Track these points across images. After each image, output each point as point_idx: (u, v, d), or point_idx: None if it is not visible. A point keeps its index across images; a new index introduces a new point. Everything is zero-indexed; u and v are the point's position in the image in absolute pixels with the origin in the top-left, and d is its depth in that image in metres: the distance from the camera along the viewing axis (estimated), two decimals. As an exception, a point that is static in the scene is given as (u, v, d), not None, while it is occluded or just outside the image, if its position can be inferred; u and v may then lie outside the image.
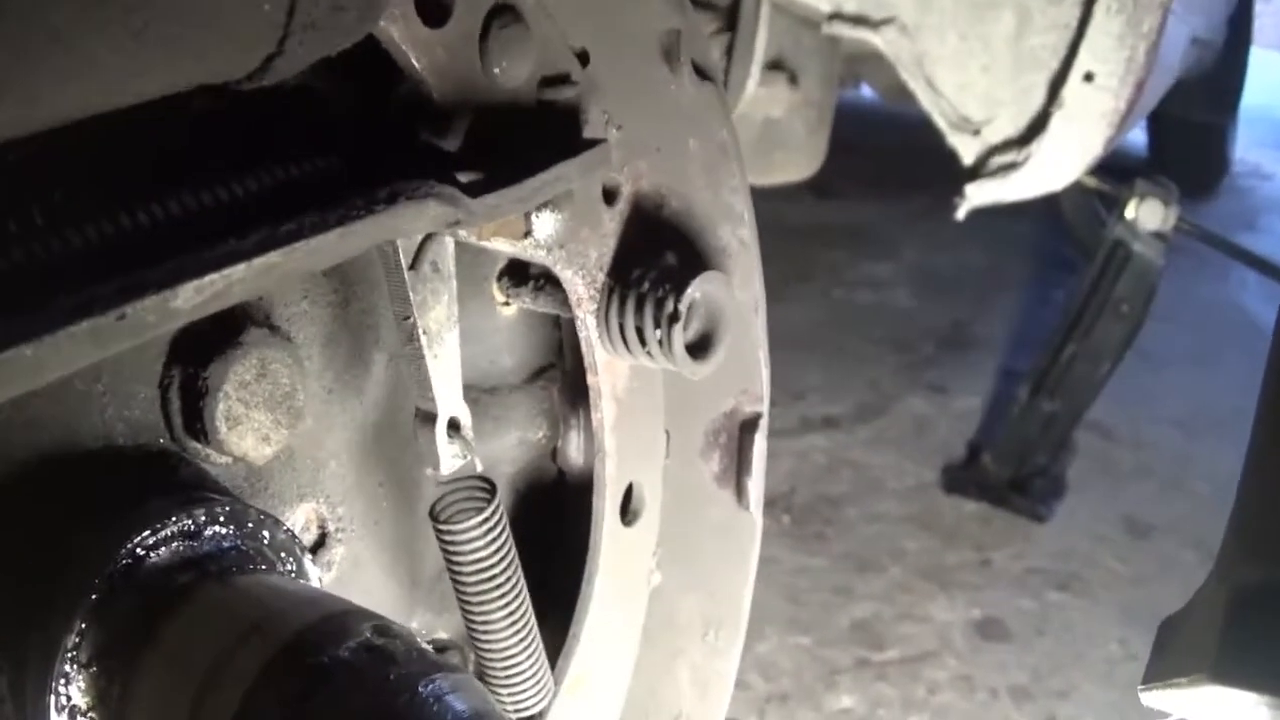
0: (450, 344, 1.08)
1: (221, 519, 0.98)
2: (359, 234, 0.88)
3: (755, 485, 1.48)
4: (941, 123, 2.74)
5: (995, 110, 2.67)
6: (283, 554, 1.03)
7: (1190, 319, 5.01)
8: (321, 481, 1.21)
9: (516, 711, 1.20)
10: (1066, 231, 5.28)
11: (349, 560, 1.26)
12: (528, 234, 1.10)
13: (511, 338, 1.41)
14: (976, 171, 2.76)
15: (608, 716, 1.40)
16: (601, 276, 1.18)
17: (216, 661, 0.89)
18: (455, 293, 1.07)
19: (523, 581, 1.16)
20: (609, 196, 1.18)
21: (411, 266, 1.03)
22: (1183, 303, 4.91)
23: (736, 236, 1.38)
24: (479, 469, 1.14)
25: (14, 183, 0.82)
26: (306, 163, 0.97)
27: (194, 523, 0.96)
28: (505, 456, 1.43)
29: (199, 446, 1.04)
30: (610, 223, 1.18)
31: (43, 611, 0.92)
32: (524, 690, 1.19)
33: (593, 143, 1.09)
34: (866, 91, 4.30)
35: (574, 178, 1.07)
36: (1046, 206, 4.03)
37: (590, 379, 1.24)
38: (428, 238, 1.03)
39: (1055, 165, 2.68)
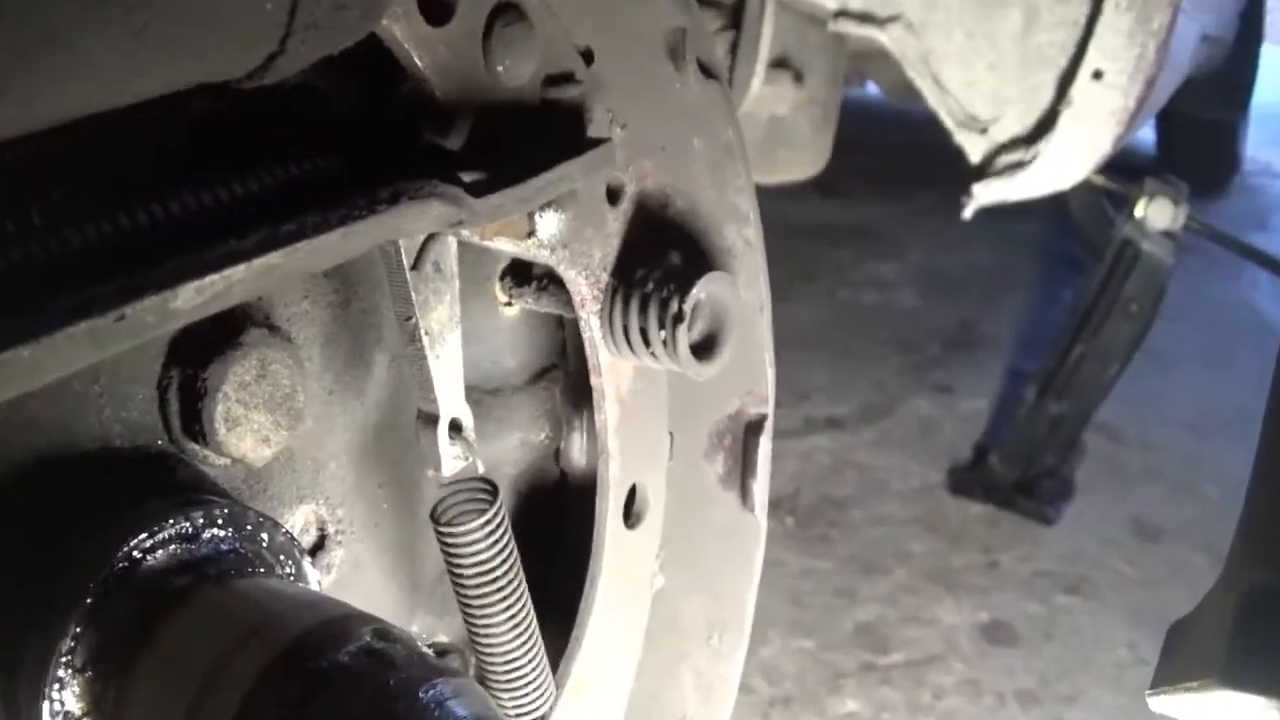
0: (452, 344, 1.08)
1: (220, 521, 0.98)
2: (361, 234, 0.88)
3: (760, 487, 1.48)
4: (948, 121, 2.74)
5: (1003, 108, 2.67)
6: (281, 557, 1.03)
7: (1200, 319, 5.01)
8: (321, 483, 1.21)
9: (518, 716, 1.21)
10: (1075, 230, 5.27)
11: (349, 563, 1.26)
12: (531, 234, 1.10)
13: (514, 338, 1.41)
14: (984, 170, 2.76)
15: (610, 721, 1.40)
16: (605, 276, 1.18)
17: (214, 666, 0.89)
18: (458, 293, 1.07)
19: (524, 584, 1.16)
20: (613, 196, 1.18)
21: (414, 266, 1.03)
22: (1193, 303, 4.90)
23: (742, 236, 1.38)
24: (481, 471, 1.15)
25: (12, 183, 0.82)
26: (307, 162, 0.97)
27: (192, 525, 0.96)
28: (507, 458, 1.43)
29: (197, 448, 1.04)
30: (614, 222, 1.18)
31: (37, 615, 0.91)
32: (526, 694, 1.19)
33: (597, 142, 1.09)
34: (872, 89, 4.30)
35: (578, 177, 1.07)
36: (1054, 205, 4.03)
37: (593, 380, 1.24)
38: (430, 237, 1.03)
39: (1063, 164, 2.67)
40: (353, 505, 1.25)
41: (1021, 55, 2.60)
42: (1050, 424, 3.78)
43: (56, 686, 0.90)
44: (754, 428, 1.46)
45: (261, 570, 1.00)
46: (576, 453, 1.45)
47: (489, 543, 1.12)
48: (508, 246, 1.10)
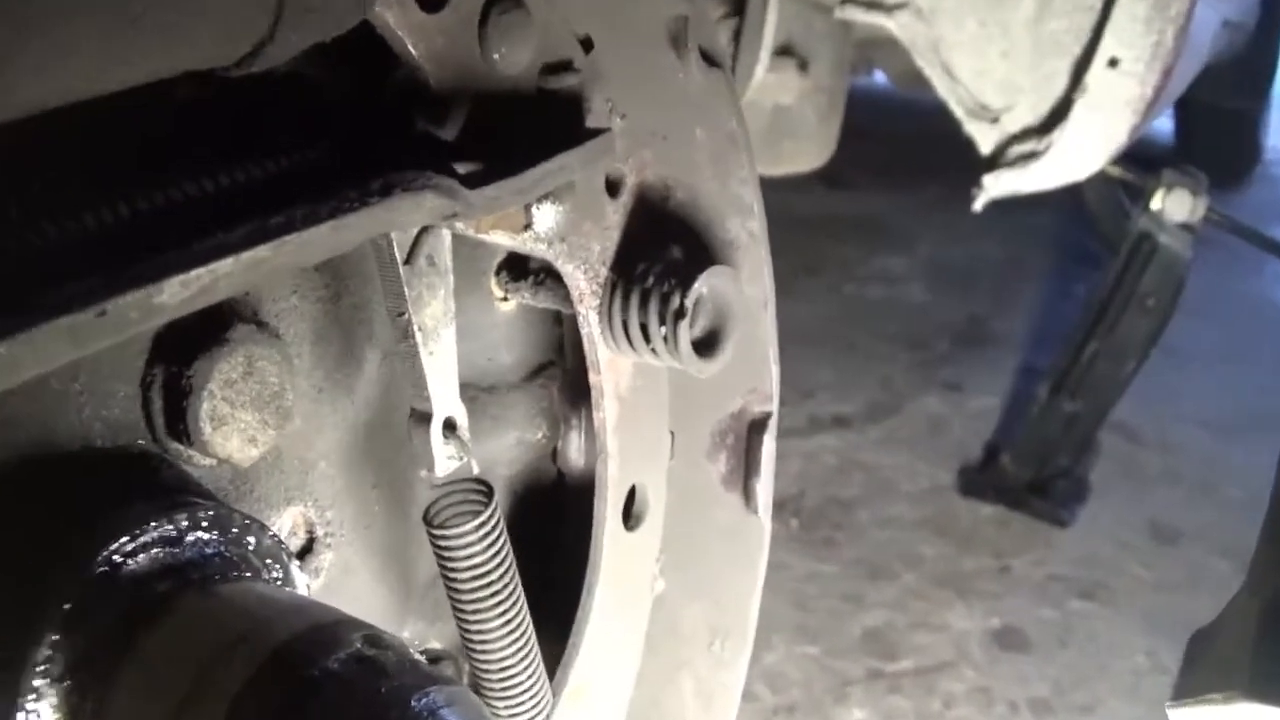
0: (446, 341, 1.08)
1: (205, 524, 0.98)
2: (352, 227, 0.88)
3: (764, 488, 1.48)
4: (958, 110, 2.74)
5: (1015, 97, 2.67)
6: (269, 560, 1.02)
7: (1220, 314, 5.01)
8: (310, 484, 1.21)
9: (514, 725, 1.21)
10: (1089, 223, 5.28)
11: (338, 567, 1.26)
12: (528, 227, 1.10)
13: (510, 334, 1.41)
14: (995, 161, 2.76)
15: (609, 730, 1.41)
16: (604, 271, 1.18)
17: (199, 674, 0.88)
18: (452, 288, 1.07)
19: (520, 589, 1.16)
20: (612, 188, 1.18)
21: (406, 260, 1.03)
22: (1212, 297, 4.90)
23: (745, 229, 1.38)
24: (475, 471, 1.15)
25: (-9, 173, 0.82)
26: (297, 153, 0.97)
27: (176, 528, 0.96)
28: (503, 458, 1.43)
29: (181, 448, 1.04)
30: (613, 215, 1.18)
31: (13, 622, 0.91)
32: (521, 703, 1.19)
33: (596, 132, 1.09)
34: (880, 78, 4.30)
35: (576, 168, 1.07)
36: (1068, 197, 4.04)
37: (592, 377, 1.24)
38: (424, 230, 1.03)
39: (1077, 154, 2.67)
40: (343, 507, 1.25)
41: (1034, 42, 2.59)
42: (1064, 423, 3.78)
43: (32, 697, 0.89)
44: (757, 426, 1.46)
45: (248, 574, 1.00)
46: (574, 452, 1.45)
47: (484, 546, 1.12)
48: (504, 240, 1.10)
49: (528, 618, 1.18)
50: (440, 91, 1.00)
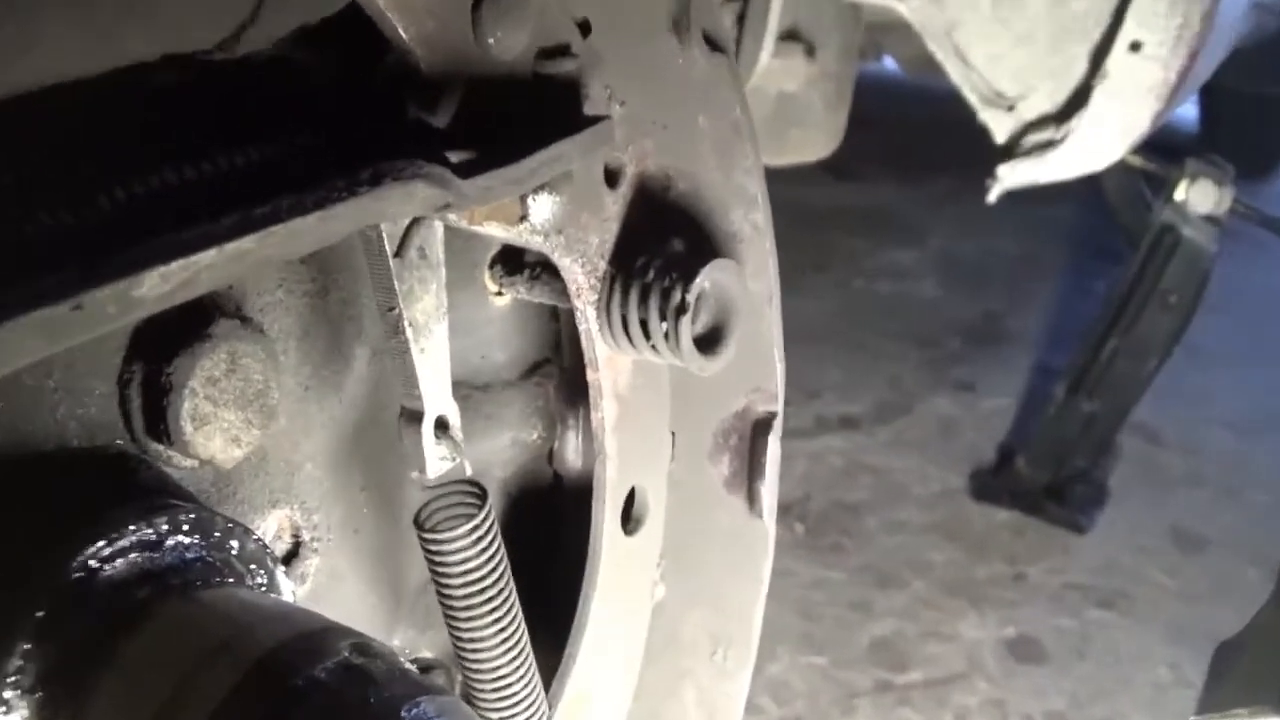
0: (438, 337, 1.08)
1: (185, 528, 0.98)
2: (340, 217, 0.88)
3: (768, 491, 1.48)
4: (972, 97, 2.74)
5: (1031, 83, 2.66)
6: (253, 566, 1.03)
7: (1245, 311, 5.01)
8: (296, 486, 1.21)
9: (508, 738, 1.21)
10: (1109, 216, 5.27)
11: (325, 572, 1.26)
12: (523, 218, 1.10)
13: (505, 330, 1.41)
14: (1010, 150, 2.75)
15: (607, 743, 1.41)
16: (603, 264, 1.18)
17: (180, 683, 0.88)
18: (444, 282, 1.07)
19: (515, 595, 1.16)
20: (611, 178, 1.18)
21: (397, 253, 1.03)
22: (1237, 293, 4.90)
23: (749, 221, 1.39)
24: (468, 472, 1.15)
25: (-40, 163, 0.82)
26: (283, 140, 0.97)
27: (155, 532, 0.96)
28: (497, 459, 1.43)
29: (161, 448, 1.04)
30: (613, 206, 1.19)
31: (-18, 630, 0.91)
32: (516, 714, 1.19)
33: (594, 120, 1.09)
34: (890, 64, 4.30)
35: (574, 157, 1.07)
36: (1087, 188, 4.03)
37: (590, 375, 1.24)
38: (415, 222, 1.03)
39: (1097, 143, 2.67)
40: (330, 510, 1.25)
41: (1052, 26, 2.59)
42: (1082, 424, 3.79)
43: (1, 710, 0.89)
44: (762, 427, 1.47)
45: (231, 580, 1.00)
46: (571, 453, 1.45)
47: (477, 550, 1.12)
48: (498, 232, 1.10)
49: (523, 626, 1.18)
50: (432, 76, 1.00)
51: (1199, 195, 3.52)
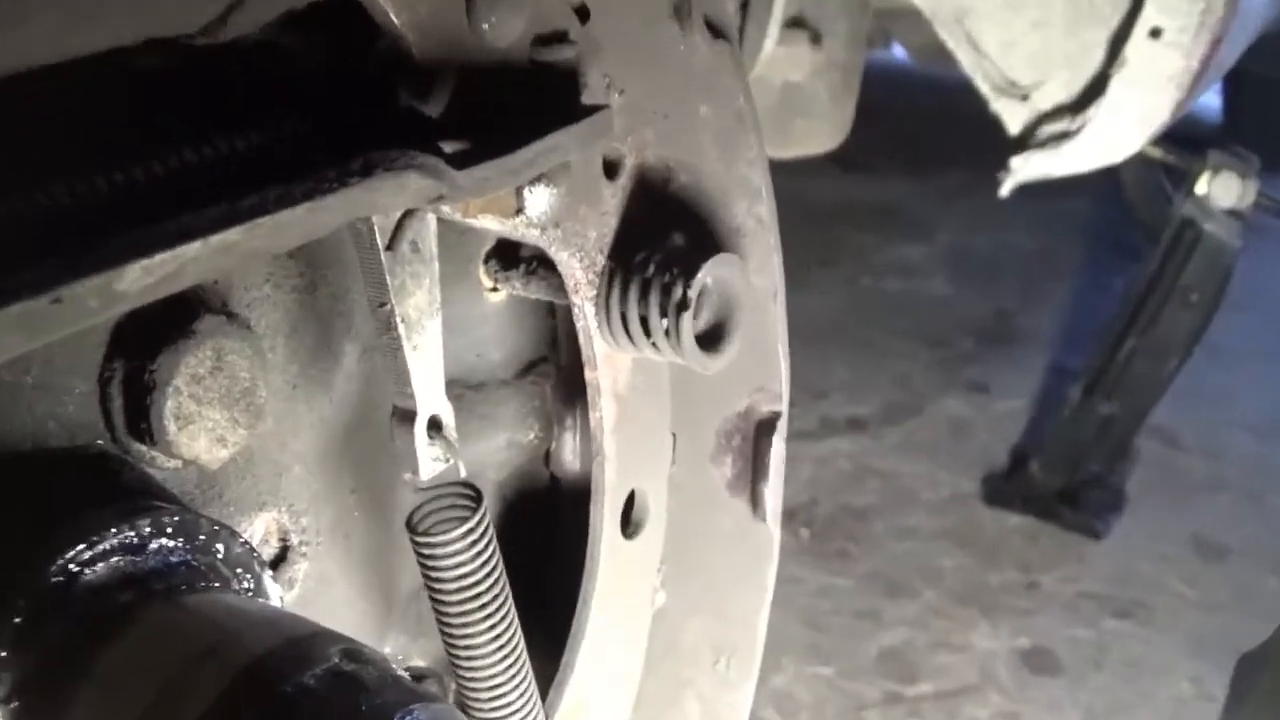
0: (431, 334, 1.08)
1: (169, 530, 0.98)
2: (330, 209, 0.88)
3: (772, 493, 1.48)
4: (984, 87, 2.74)
5: (1046, 72, 2.66)
6: (239, 570, 1.03)
7: (1270, 309, 5.01)
8: (284, 488, 1.21)
9: (503, 748, 1.21)
10: (1127, 210, 5.27)
11: (314, 577, 1.26)
12: (519, 211, 1.10)
13: (500, 327, 1.41)
14: (1024, 142, 2.75)
15: (605, 755, 1.41)
16: (601, 259, 1.19)
17: (163, 691, 0.88)
18: (437, 276, 1.08)
19: (510, 602, 1.17)
20: (610, 169, 1.19)
21: (388, 246, 1.03)
22: (1261, 290, 4.90)
23: (753, 214, 1.39)
24: (463, 474, 1.15)
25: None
26: (270, 129, 0.97)
27: (137, 535, 0.96)
28: (492, 460, 1.44)
29: (144, 449, 1.04)
30: (611, 199, 1.19)
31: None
32: (511, 724, 1.20)
33: (592, 109, 1.10)
34: (899, 52, 4.30)
35: (571, 148, 1.08)
36: (1104, 182, 4.03)
37: (588, 374, 1.24)
38: (407, 214, 1.03)
39: (1115, 134, 2.67)
40: (319, 513, 1.25)
41: (1068, 11, 2.59)
42: (1098, 426, 3.79)
43: (-26, 722, 0.90)
44: (766, 427, 1.47)
45: (216, 585, 1.00)
46: (569, 455, 1.46)
47: (471, 555, 1.12)
48: (493, 225, 1.11)
49: (518, 633, 1.18)
50: (424, 63, 1.00)
51: (1221, 188, 3.52)
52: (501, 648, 1.15)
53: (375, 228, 1.02)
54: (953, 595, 3.47)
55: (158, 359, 1.01)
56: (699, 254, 1.18)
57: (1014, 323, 5.05)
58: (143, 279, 0.78)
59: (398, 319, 1.05)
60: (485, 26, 1.03)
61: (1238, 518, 3.85)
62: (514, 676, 1.17)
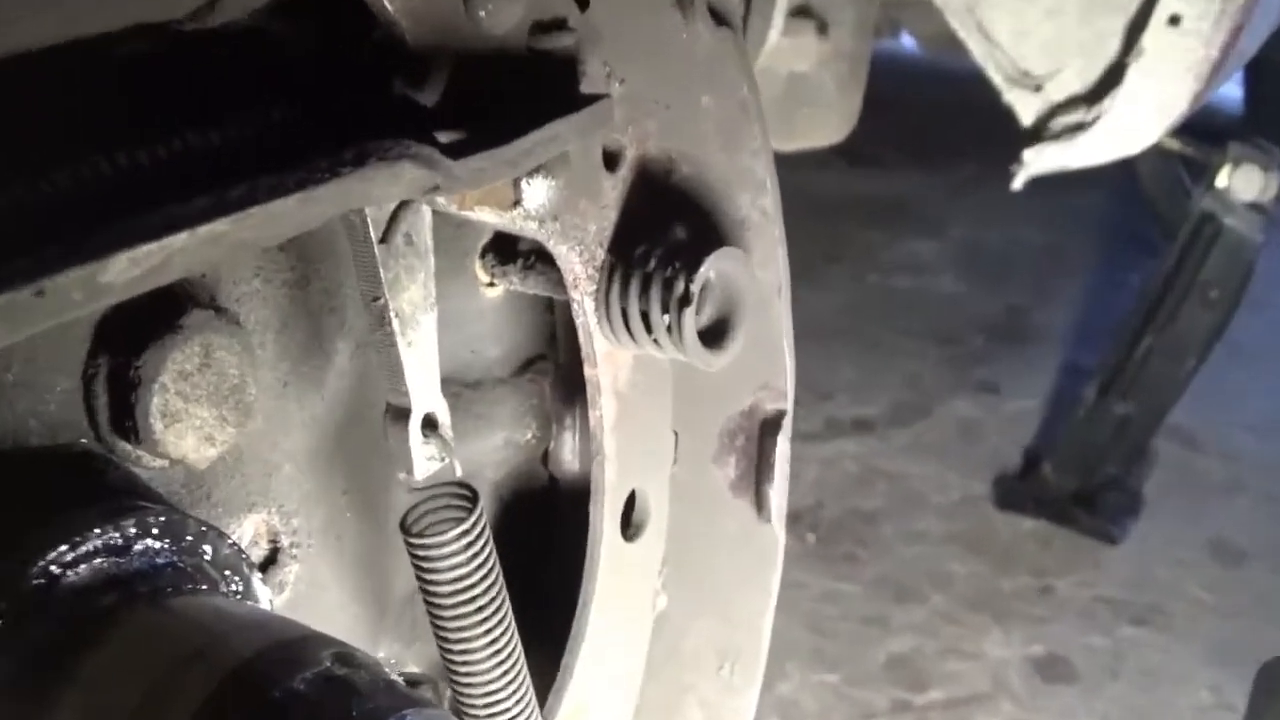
0: (426, 329, 1.09)
1: (155, 531, 0.98)
2: (322, 200, 0.88)
3: (777, 494, 1.48)
4: (996, 77, 2.74)
5: (1061, 61, 2.66)
6: (227, 572, 1.03)
7: (1291, 307, 5.02)
8: (274, 489, 1.21)
9: (499, 756, 1.21)
10: (1144, 204, 5.27)
11: (305, 580, 1.26)
12: (517, 203, 1.10)
13: (497, 323, 1.41)
14: (1037, 134, 2.75)
15: (605, 764, 1.41)
16: (601, 253, 1.19)
17: (149, 696, 0.88)
18: (433, 270, 1.08)
19: (508, 605, 1.17)
20: (610, 161, 1.19)
21: (382, 239, 1.03)
22: (1282, 287, 4.91)
23: (757, 207, 1.39)
24: (459, 474, 1.15)
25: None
26: (261, 118, 0.97)
27: (122, 535, 0.96)
28: (489, 460, 1.44)
29: (129, 447, 1.04)
30: (612, 191, 1.19)
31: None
32: (508, 732, 1.20)
33: (592, 98, 1.10)
34: (907, 42, 4.30)
35: (570, 138, 1.08)
36: (1120, 174, 4.03)
37: (588, 371, 1.24)
38: (401, 206, 1.03)
39: (1131, 125, 2.67)
40: (310, 514, 1.25)
41: (1084, -1, 2.59)
42: (1114, 427, 3.78)
43: (-45, 728, 0.90)
44: (770, 426, 1.47)
45: (204, 587, 1.00)
46: (568, 454, 1.46)
47: (467, 557, 1.12)
48: (490, 218, 1.11)
49: (516, 638, 1.18)
50: (419, 51, 1.01)
51: (1243, 181, 3.52)
52: (498, 653, 1.15)
53: (369, 220, 1.02)
54: (963, 601, 3.47)
55: (143, 355, 1.01)
56: (702, 247, 1.18)
57: (1026, 320, 5.05)
58: (128, 271, 0.78)
59: (391, 314, 1.05)
60: (482, 13, 1.04)
61: (1257, 521, 3.85)
62: (511, 683, 1.17)
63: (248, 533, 1.20)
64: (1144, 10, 2.52)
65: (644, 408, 1.30)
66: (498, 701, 1.17)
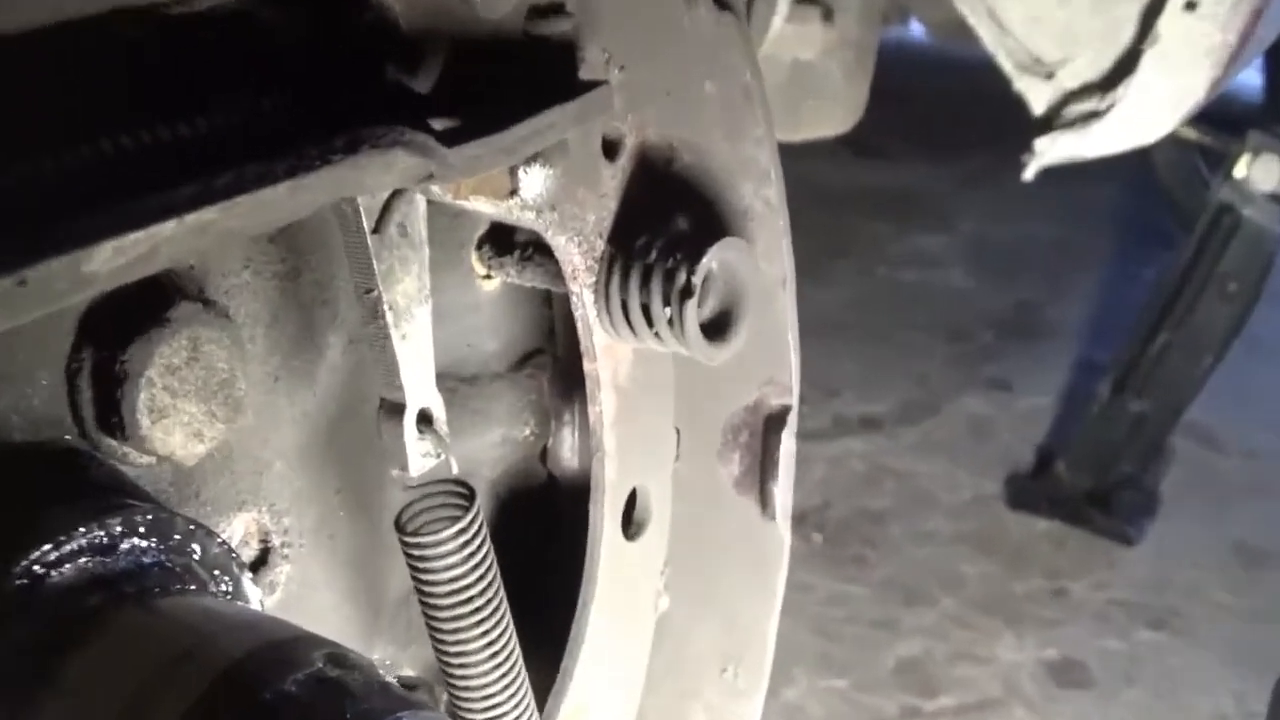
0: (421, 322, 1.08)
1: (142, 530, 0.98)
2: (312, 188, 0.88)
3: (782, 492, 1.48)
4: (1007, 64, 2.73)
5: (1074, 48, 2.66)
6: (216, 572, 1.03)
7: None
8: (264, 486, 1.21)
9: (496, 760, 1.21)
10: (1160, 195, 5.27)
11: (297, 580, 1.26)
12: (513, 193, 1.11)
13: (494, 317, 1.41)
14: (1049, 123, 2.75)
15: (605, 769, 1.41)
16: (601, 244, 1.19)
17: (136, 698, 0.88)
18: (427, 262, 1.08)
19: (505, 606, 1.17)
20: (610, 149, 1.19)
21: (375, 229, 1.03)
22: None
23: (760, 197, 1.39)
24: (454, 471, 1.15)
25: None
26: (249, 104, 0.97)
27: (107, 534, 0.96)
28: (486, 457, 1.44)
29: (115, 444, 1.04)
30: (611, 180, 1.19)
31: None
32: (506, 736, 1.20)
33: (590, 85, 1.10)
34: (916, 29, 4.30)
35: (568, 126, 1.08)
36: (1135, 165, 4.02)
37: (587, 366, 1.24)
38: (395, 195, 1.03)
39: (1146, 114, 2.66)
40: (302, 513, 1.25)
41: (1097, -17, 2.59)
42: (1130, 425, 3.78)
43: (-64, 732, 0.90)
44: (775, 422, 1.47)
45: (192, 588, 1.00)
46: (567, 451, 1.46)
47: (464, 556, 1.12)
48: (486, 208, 1.11)
49: (514, 639, 1.18)
50: (413, 35, 1.01)
51: (1262, 171, 3.52)
52: (495, 655, 1.15)
53: (361, 209, 1.02)
54: (975, 604, 3.47)
55: (129, 348, 1.01)
56: (704, 238, 1.18)
57: (1038, 315, 5.05)
58: (114, 260, 0.78)
59: (385, 307, 1.05)
60: (477, -3, 1.04)
61: (1279, 522, 3.84)
62: (508, 685, 1.17)
63: (238, 532, 1.20)
64: (1159, -6, 2.51)
65: (645, 403, 1.30)
66: (495, 705, 1.17)
